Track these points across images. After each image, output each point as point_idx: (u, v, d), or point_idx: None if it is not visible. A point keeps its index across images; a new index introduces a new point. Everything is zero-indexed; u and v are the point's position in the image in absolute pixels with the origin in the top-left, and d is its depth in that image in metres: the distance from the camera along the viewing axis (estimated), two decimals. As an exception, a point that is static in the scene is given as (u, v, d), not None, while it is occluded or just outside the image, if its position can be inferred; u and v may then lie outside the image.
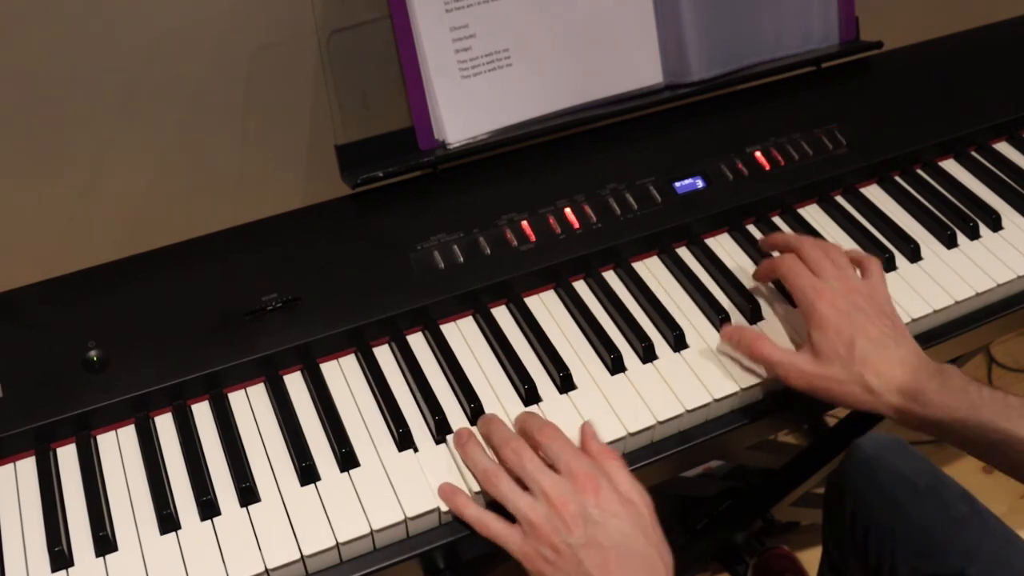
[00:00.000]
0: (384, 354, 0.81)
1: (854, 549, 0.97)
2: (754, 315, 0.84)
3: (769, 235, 0.88)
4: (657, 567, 0.65)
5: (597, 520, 0.65)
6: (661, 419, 0.76)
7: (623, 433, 0.75)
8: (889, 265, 0.89)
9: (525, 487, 0.68)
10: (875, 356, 0.72)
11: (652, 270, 0.89)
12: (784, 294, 0.86)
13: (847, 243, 0.92)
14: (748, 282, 0.88)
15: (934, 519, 0.91)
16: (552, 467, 0.68)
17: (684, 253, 0.91)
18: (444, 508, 0.70)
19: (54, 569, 0.67)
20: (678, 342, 0.82)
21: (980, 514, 0.91)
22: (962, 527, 0.90)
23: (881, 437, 1.01)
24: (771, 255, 0.87)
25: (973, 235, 0.93)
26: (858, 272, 0.80)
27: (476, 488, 0.71)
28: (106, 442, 0.75)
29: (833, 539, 1.03)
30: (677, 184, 0.92)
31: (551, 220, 0.88)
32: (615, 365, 0.80)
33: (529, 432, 0.71)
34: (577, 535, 0.64)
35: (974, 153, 1.03)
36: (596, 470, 0.68)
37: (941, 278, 0.88)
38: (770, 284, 0.87)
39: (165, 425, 0.76)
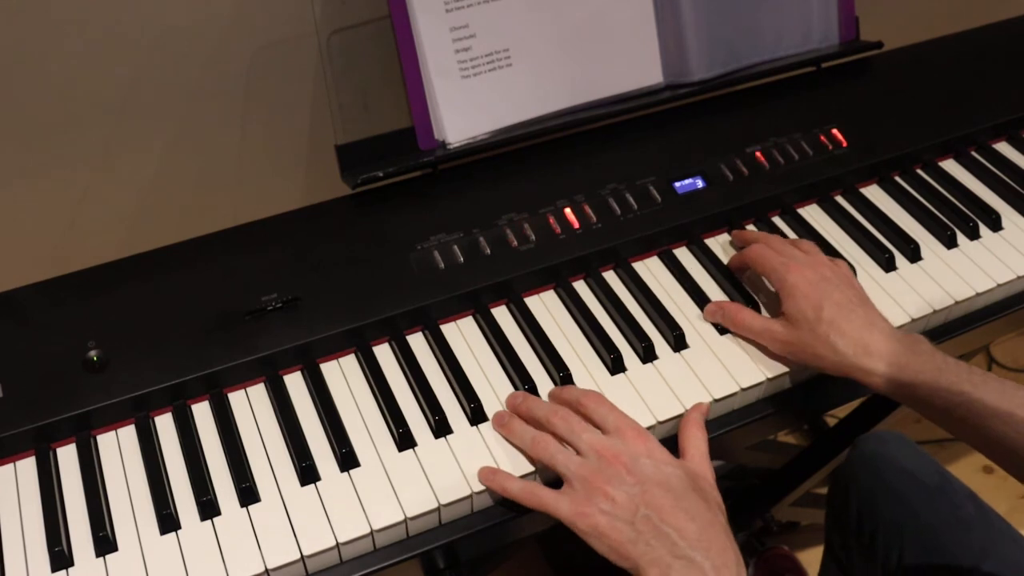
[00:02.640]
0: (384, 354, 0.81)
1: (860, 546, 0.97)
2: (754, 315, 0.84)
3: (737, 232, 0.90)
4: (717, 513, 0.67)
5: (650, 471, 0.67)
6: (661, 419, 0.76)
7: (623, 433, 0.75)
8: (889, 265, 0.89)
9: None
10: (841, 319, 0.75)
11: (652, 270, 0.89)
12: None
13: (847, 243, 0.92)
14: (748, 281, 0.87)
15: (943, 518, 0.91)
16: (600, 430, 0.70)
17: (684, 253, 0.91)
18: (445, 505, 0.70)
19: (54, 569, 0.67)
20: (678, 342, 0.82)
21: (986, 515, 0.91)
22: (970, 527, 0.90)
23: (886, 434, 1.01)
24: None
25: (973, 235, 0.93)
26: None
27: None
28: (106, 442, 0.75)
29: (837, 536, 1.03)
30: (677, 184, 0.92)
31: (551, 220, 0.88)
32: (615, 365, 0.80)
33: (573, 401, 0.73)
34: (631, 481, 0.66)
35: (974, 153, 1.03)
36: (643, 430, 0.70)
37: (941, 278, 0.88)
38: (769, 285, 0.87)
39: (165, 425, 0.76)
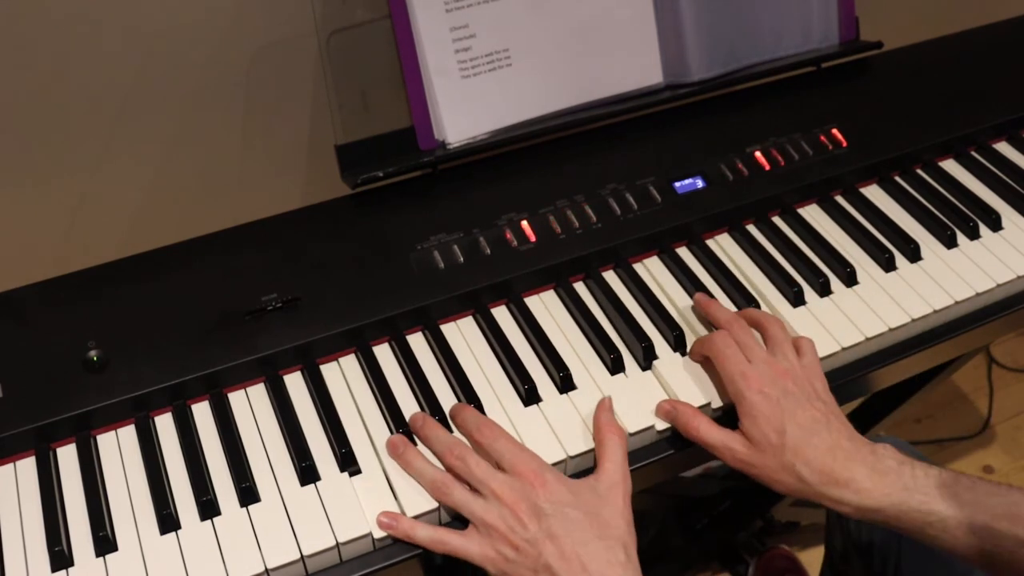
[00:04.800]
0: (384, 354, 0.81)
1: (857, 551, 0.97)
2: (754, 315, 0.84)
3: (705, 301, 0.83)
4: (615, 550, 0.66)
5: (550, 513, 0.66)
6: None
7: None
8: (889, 265, 0.89)
9: (473, 489, 0.69)
10: (804, 444, 0.70)
11: (652, 270, 0.89)
12: (785, 295, 0.86)
13: (847, 243, 0.92)
14: (748, 282, 0.88)
15: None
16: (497, 465, 0.69)
17: (684, 253, 0.91)
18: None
19: (54, 569, 0.67)
20: (678, 342, 0.81)
21: None
22: None
23: (884, 439, 1.01)
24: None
25: (973, 235, 0.93)
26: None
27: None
28: (106, 442, 0.75)
29: (836, 540, 1.03)
30: (677, 184, 0.92)
31: (551, 220, 0.88)
32: (615, 365, 0.80)
33: (467, 432, 0.72)
34: (532, 530, 0.65)
35: (974, 153, 1.02)
36: (540, 463, 0.69)
37: (941, 278, 0.88)
38: (770, 284, 0.87)
39: (165, 425, 0.76)
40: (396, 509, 0.70)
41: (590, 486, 0.69)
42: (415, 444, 0.73)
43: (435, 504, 0.70)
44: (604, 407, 0.74)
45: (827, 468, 0.70)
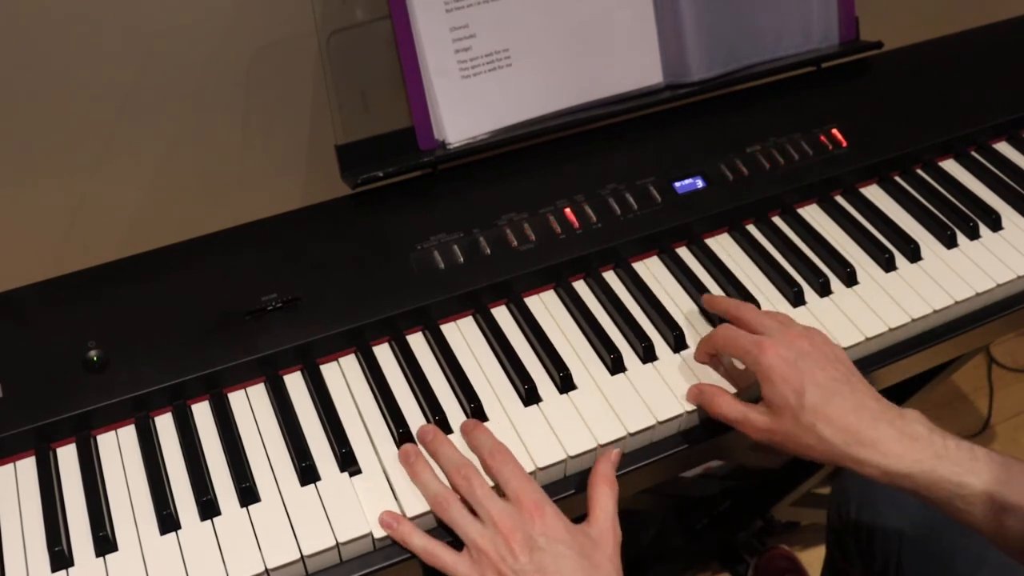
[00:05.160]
0: (384, 354, 0.81)
1: (859, 550, 0.97)
2: (754, 315, 0.84)
3: (710, 299, 0.83)
4: None
5: (543, 547, 0.66)
6: (661, 419, 0.76)
7: (623, 433, 0.75)
8: (889, 265, 0.89)
9: (473, 511, 0.68)
10: (826, 404, 0.68)
11: (652, 270, 0.89)
12: (785, 295, 0.86)
13: (847, 243, 0.92)
14: (748, 282, 0.87)
15: (942, 523, 0.91)
16: (500, 490, 0.69)
17: (684, 253, 0.91)
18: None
19: (54, 569, 0.67)
20: (678, 342, 0.81)
21: None
22: (970, 533, 0.89)
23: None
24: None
25: (973, 235, 0.93)
26: None
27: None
28: (106, 442, 0.75)
29: (837, 540, 1.03)
30: (677, 184, 0.92)
31: (551, 220, 0.88)
32: (615, 365, 0.80)
33: (479, 453, 0.72)
34: (523, 561, 0.65)
35: (974, 153, 1.02)
36: (543, 497, 0.68)
37: (941, 278, 0.88)
38: (770, 285, 0.87)
39: (165, 425, 0.76)
40: (396, 509, 0.70)
41: (583, 531, 0.69)
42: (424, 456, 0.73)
43: None
44: (606, 459, 0.73)
45: (851, 427, 0.67)
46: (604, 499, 0.71)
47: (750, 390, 0.77)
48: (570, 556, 0.66)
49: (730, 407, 0.73)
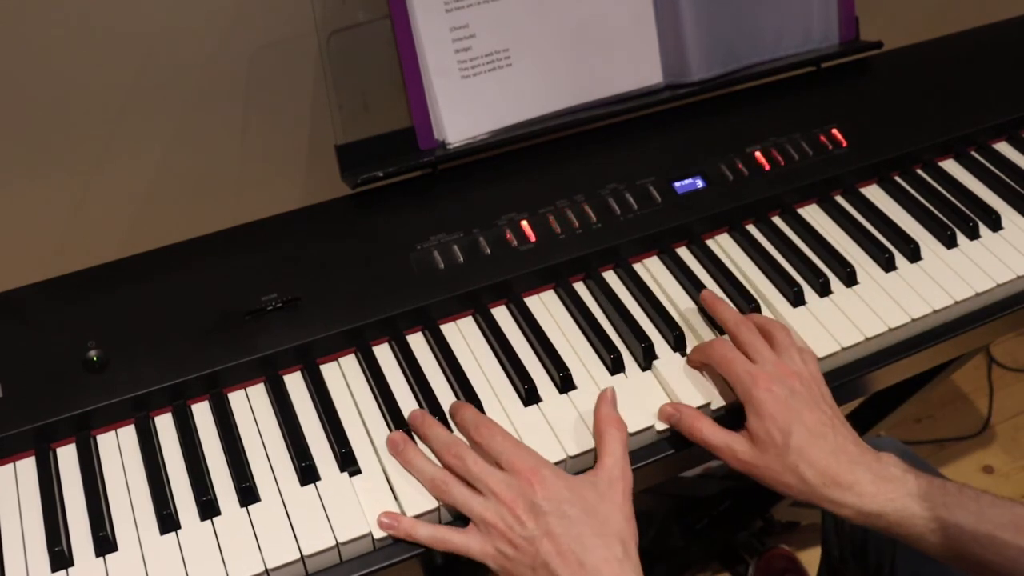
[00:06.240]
0: (384, 354, 0.81)
1: (854, 551, 0.97)
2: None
3: (712, 299, 0.83)
4: (612, 546, 0.66)
5: (547, 511, 0.66)
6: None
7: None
8: (889, 265, 0.89)
9: (472, 487, 0.69)
10: (810, 446, 0.70)
11: (652, 270, 0.89)
12: (785, 295, 0.86)
13: (847, 243, 0.92)
14: (748, 282, 0.88)
15: None
16: (496, 463, 0.70)
17: (684, 253, 0.91)
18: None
19: (54, 569, 0.67)
20: (678, 342, 0.81)
21: None
22: None
23: (882, 441, 1.01)
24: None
25: (973, 235, 0.93)
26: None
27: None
28: (106, 442, 0.75)
29: (833, 541, 1.03)
30: (677, 184, 0.92)
31: (551, 220, 0.88)
32: (615, 365, 0.80)
33: (465, 430, 0.72)
34: (530, 528, 0.66)
35: (974, 153, 1.02)
36: (538, 460, 0.69)
37: (941, 278, 0.88)
38: (770, 284, 0.87)
39: (165, 425, 0.76)
40: (396, 509, 0.70)
41: (589, 482, 0.69)
42: (415, 442, 0.73)
43: (435, 504, 0.70)
44: (605, 399, 0.74)
45: (831, 470, 0.69)
46: (612, 443, 0.71)
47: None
48: (575, 514, 0.66)
49: (712, 434, 0.73)
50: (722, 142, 0.96)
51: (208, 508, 0.70)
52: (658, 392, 0.78)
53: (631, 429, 0.75)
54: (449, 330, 0.83)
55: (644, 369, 0.80)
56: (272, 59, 0.99)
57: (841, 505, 0.70)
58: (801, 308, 0.85)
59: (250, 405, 0.77)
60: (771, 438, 0.71)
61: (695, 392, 0.78)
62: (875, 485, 0.69)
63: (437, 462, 0.71)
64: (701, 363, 0.79)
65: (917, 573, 0.89)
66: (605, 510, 0.68)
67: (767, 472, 0.71)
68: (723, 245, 0.92)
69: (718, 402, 0.77)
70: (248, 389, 0.78)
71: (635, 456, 0.76)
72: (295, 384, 0.79)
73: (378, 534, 0.69)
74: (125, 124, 0.97)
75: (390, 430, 0.75)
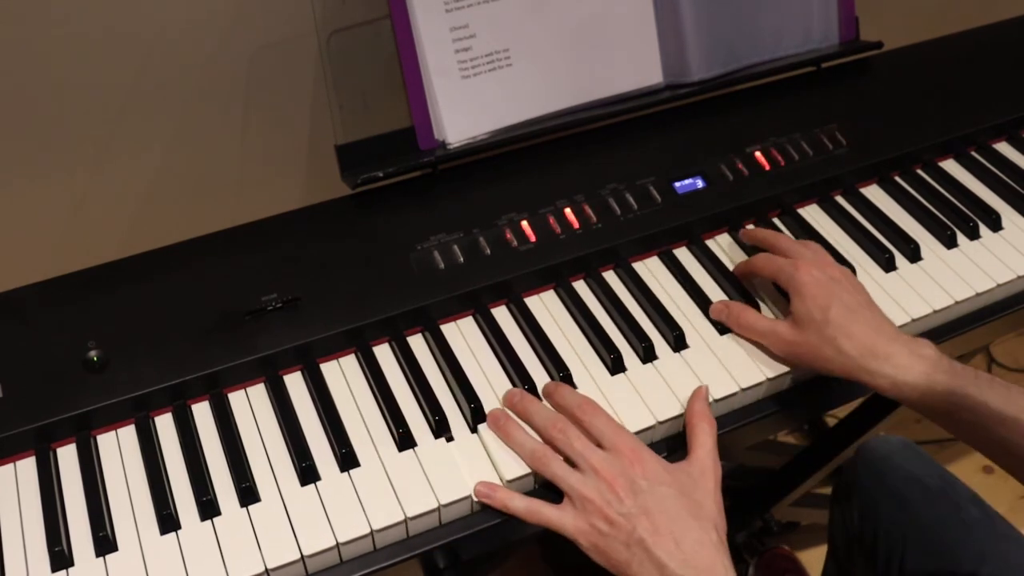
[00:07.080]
0: (384, 354, 0.81)
1: (862, 549, 0.97)
2: (754, 315, 0.84)
3: (748, 230, 0.90)
4: (707, 530, 0.67)
5: (645, 489, 0.68)
6: (661, 419, 0.76)
7: (623, 433, 0.75)
8: (889, 265, 0.89)
9: (571, 463, 0.70)
10: (848, 321, 0.75)
11: (652, 270, 0.89)
12: (785, 295, 0.86)
13: (847, 243, 0.92)
14: (748, 282, 0.87)
15: (945, 521, 0.91)
16: (596, 442, 0.71)
17: (684, 253, 0.91)
18: (444, 505, 0.70)
19: (54, 569, 0.67)
20: (678, 342, 0.82)
21: (990, 517, 0.91)
22: (973, 530, 0.90)
23: (890, 439, 1.01)
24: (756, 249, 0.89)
25: (973, 235, 0.93)
26: None
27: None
28: (106, 442, 0.75)
29: (840, 539, 1.03)
30: (677, 184, 0.92)
31: (551, 220, 0.88)
32: (615, 365, 0.80)
33: (567, 409, 0.74)
34: (628, 505, 0.67)
35: (974, 153, 1.02)
36: (638, 443, 0.71)
37: (941, 278, 0.88)
38: (771, 285, 0.87)
39: (165, 425, 0.76)
40: (396, 505, 0.70)
41: (683, 469, 0.71)
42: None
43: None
44: (699, 396, 0.76)
45: (868, 341, 0.74)
46: (703, 436, 0.73)
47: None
48: (672, 496, 0.68)
49: (758, 320, 0.80)
50: (722, 142, 0.96)
51: (208, 508, 0.70)
52: (658, 392, 0.78)
53: (632, 429, 0.75)
54: (449, 330, 0.83)
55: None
56: (272, 59, 0.99)
57: (876, 374, 0.73)
58: (801, 308, 0.85)
59: (250, 405, 0.77)
60: (811, 316, 0.76)
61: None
62: (910, 359, 0.73)
63: (535, 436, 0.73)
64: (745, 274, 0.86)
65: (928, 567, 0.89)
66: (700, 496, 0.69)
67: (807, 348, 0.76)
68: (723, 245, 0.92)
69: (718, 392, 0.78)
70: (248, 389, 0.78)
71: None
72: (295, 384, 0.79)
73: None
74: (125, 124, 0.97)
75: (390, 430, 0.75)
